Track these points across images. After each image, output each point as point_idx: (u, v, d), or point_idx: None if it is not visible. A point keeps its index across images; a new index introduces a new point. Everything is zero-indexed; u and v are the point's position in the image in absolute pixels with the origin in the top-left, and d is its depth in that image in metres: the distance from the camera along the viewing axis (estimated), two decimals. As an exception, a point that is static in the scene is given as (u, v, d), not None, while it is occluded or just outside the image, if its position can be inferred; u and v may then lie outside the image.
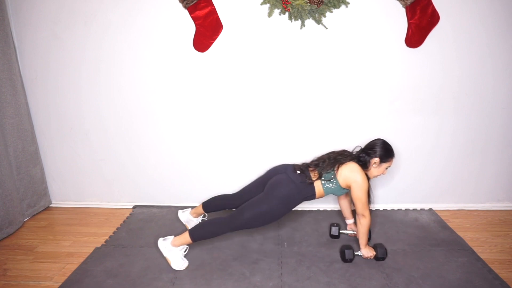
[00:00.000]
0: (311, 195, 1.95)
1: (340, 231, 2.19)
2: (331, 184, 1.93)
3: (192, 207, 2.38)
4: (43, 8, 2.38)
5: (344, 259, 1.96)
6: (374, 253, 1.96)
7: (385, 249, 1.96)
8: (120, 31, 2.40)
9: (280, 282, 1.81)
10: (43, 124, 2.62)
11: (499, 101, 2.41)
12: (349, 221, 2.26)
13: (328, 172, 1.94)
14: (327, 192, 1.97)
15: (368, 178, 1.99)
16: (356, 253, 1.98)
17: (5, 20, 2.32)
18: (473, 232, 2.28)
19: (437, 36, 2.30)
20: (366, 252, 1.96)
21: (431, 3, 2.23)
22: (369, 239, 2.11)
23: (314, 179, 1.93)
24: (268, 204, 1.88)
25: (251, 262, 1.98)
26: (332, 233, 2.17)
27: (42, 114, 2.59)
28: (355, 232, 2.18)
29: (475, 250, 2.06)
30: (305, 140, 2.52)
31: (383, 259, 1.96)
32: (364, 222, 1.92)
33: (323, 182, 1.94)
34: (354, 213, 2.13)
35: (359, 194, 1.89)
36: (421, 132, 2.48)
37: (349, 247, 1.97)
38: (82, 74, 2.49)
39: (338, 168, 1.93)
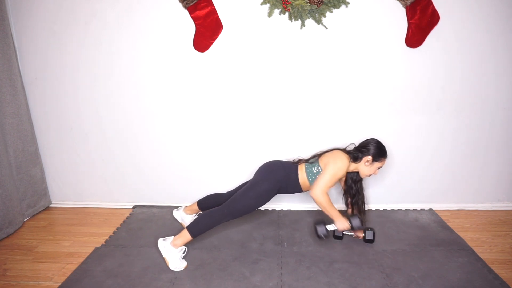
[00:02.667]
0: (295, 173, 2.03)
1: (344, 233, 2.16)
2: (313, 168, 2.01)
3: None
4: (43, 8, 2.38)
5: (318, 236, 1.95)
6: (349, 225, 1.95)
7: (374, 232, 2.04)
8: (120, 31, 2.40)
9: (280, 282, 1.80)
10: (43, 124, 2.61)
11: (500, 101, 2.41)
12: (350, 231, 2.19)
13: (313, 158, 2.07)
14: (309, 176, 2.02)
15: (361, 179, 2.07)
16: (328, 227, 1.96)
17: (5, 20, 2.32)
18: (473, 232, 2.28)
19: (438, 35, 2.30)
20: (340, 224, 1.95)
21: (431, 3, 2.23)
22: (373, 241, 2.10)
23: (299, 163, 2.09)
24: (257, 185, 1.99)
25: (251, 262, 1.98)
26: (336, 234, 2.15)
27: (42, 114, 2.59)
28: (358, 236, 2.16)
29: (475, 250, 2.05)
30: (305, 141, 2.52)
31: (371, 241, 2.04)
32: (317, 200, 1.93)
33: (306, 165, 2.04)
34: (352, 208, 2.19)
35: (328, 171, 1.92)
36: (421, 132, 2.48)
37: (320, 222, 1.96)
38: (82, 74, 2.49)
39: (322, 155, 2.05)
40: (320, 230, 1.95)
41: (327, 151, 2.09)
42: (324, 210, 1.97)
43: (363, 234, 2.09)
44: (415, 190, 2.60)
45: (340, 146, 2.17)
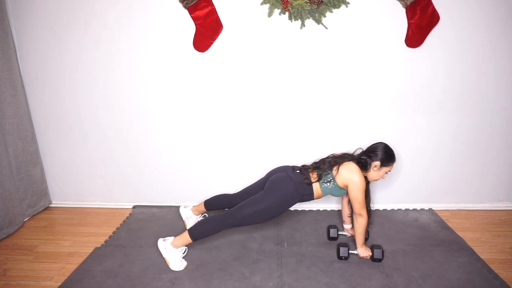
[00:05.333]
0: (309, 194, 1.95)
1: (339, 233, 2.19)
2: (328, 184, 1.94)
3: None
4: (43, 8, 2.38)
5: (338, 257, 1.97)
6: (370, 253, 1.96)
7: (382, 250, 1.95)
8: (120, 31, 2.40)
9: (280, 282, 1.80)
10: (43, 124, 2.61)
11: (500, 101, 2.41)
12: (347, 226, 2.23)
13: (327, 174, 1.94)
14: (325, 192, 1.97)
15: (368, 182, 2.00)
16: (351, 251, 1.99)
17: (5, 20, 2.32)
18: (473, 232, 2.28)
19: (438, 35, 2.30)
20: (362, 251, 1.97)
21: (431, 3, 2.23)
22: (366, 238, 2.11)
23: (313, 180, 1.95)
24: (266, 201, 1.90)
25: (251, 262, 1.98)
26: (331, 235, 2.17)
27: (42, 114, 2.59)
28: (352, 234, 2.18)
29: (475, 250, 2.06)
30: (306, 141, 2.52)
31: (379, 260, 1.95)
32: (361, 222, 1.92)
33: (321, 183, 1.95)
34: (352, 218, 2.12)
35: (356, 194, 1.89)
36: (421, 132, 2.48)
37: (344, 245, 1.98)
38: (82, 74, 2.49)
39: (337, 168, 1.93)
40: (343, 251, 1.96)
41: (337, 161, 1.96)
42: (360, 233, 1.94)
43: (370, 253, 1.97)
44: (415, 190, 2.60)
45: (347, 150, 2.09)
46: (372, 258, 1.96)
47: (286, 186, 1.92)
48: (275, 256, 2.03)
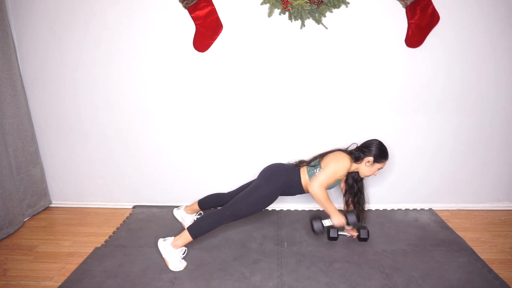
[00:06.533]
0: (297, 178, 2.03)
1: (339, 233, 2.19)
2: (315, 170, 2.01)
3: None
4: (43, 8, 2.38)
5: (313, 231, 1.99)
6: (345, 220, 1.97)
7: (368, 230, 2.07)
8: (120, 31, 2.40)
9: (280, 282, 1.80)
10: (43, 124, 2.62)
11: (500, 101, 2.41)
12: (347, 226, 2.23)
13: (315, 159, 2.07)
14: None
15: (362, 179, 2.08)
16: (340, 233, 2.10)
17: (5, 20, 2.32)
18: (473, 232, 2.28)
19: (438, 35, 2.30)
20: (336, 219, 1.97)
21: (431, 3, 2.23)
22: (367, 239, 2.13)
23: (301, 165, 2.09)
24: (259, 188, 1.98)
25: (251, 262, 1.98)
26: (331, 235, 2.17)
27: (42, 114, 2.59)
28: (353, 235, 2.19)
29: (475, 250, 2.06)
30: (305, 142, 2.52)
31: (365, 239, 2.07)
32: (315, 194, 1.95)
33: (308, 168, 2.04)
34: (354, 207, 2.17)
35: (329, 168, 1.94)
36: (421, 132, 2.48)
37: (316, 217, 2.01)
38: (82, 74, 2.49)
39: (324, 156, 2.05)
40: (316, 225, 1.98)
41: (328, 152, 2.09)
42: (321, 205, 1.99)
43: (358, 233, 2.12)
44: (415, 190, 2.60)
45: (342, 146, 2.17)
46: (359, 237, 2.07)
47: (275, 170, 2.05)
48: (275, 256, 2.03)
